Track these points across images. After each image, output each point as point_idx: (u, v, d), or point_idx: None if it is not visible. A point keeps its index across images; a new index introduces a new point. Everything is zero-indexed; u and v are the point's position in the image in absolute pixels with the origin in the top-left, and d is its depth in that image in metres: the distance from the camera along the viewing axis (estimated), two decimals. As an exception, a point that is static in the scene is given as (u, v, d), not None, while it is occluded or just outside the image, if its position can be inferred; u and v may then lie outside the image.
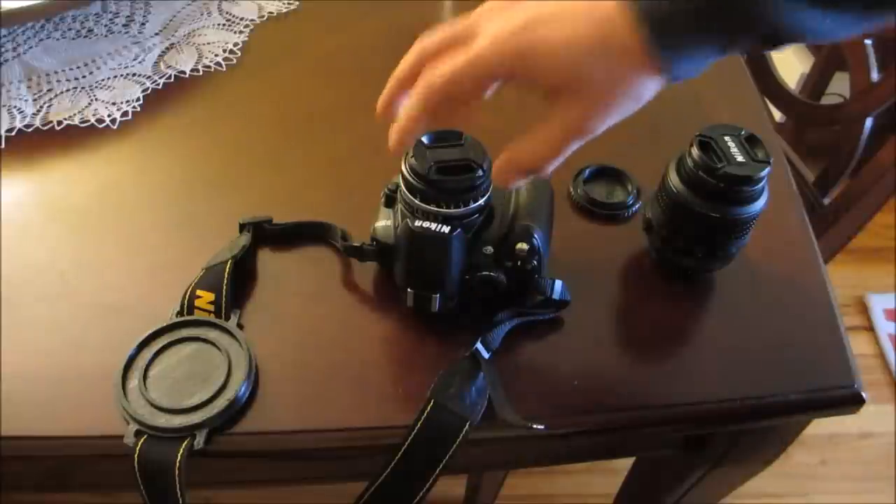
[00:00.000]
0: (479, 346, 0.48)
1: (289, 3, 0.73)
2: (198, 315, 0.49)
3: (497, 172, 0.43)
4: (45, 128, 0.61)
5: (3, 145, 0.60)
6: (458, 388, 0.46)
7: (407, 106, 0.43)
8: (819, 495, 1.29)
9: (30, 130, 0.61)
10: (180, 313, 0.49)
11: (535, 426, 0.46)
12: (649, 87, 0.40)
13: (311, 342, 0.50)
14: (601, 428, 0.50)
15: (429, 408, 0.45)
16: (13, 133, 0.61)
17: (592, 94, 0.40)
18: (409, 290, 0.49)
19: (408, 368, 0.50)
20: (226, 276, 0.50)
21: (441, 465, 0.45)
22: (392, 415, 0.47)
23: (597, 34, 0.38)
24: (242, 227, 0.54)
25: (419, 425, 0.45)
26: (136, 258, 0.54)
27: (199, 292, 0.50)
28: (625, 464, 0.76)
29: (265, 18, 0.71)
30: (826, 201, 1.02)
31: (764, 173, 0.48)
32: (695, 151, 0.48)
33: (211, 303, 0.49)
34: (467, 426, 0.45)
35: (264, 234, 0.54)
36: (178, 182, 0.59)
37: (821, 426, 1.30)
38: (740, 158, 0.48)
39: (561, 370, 0.49)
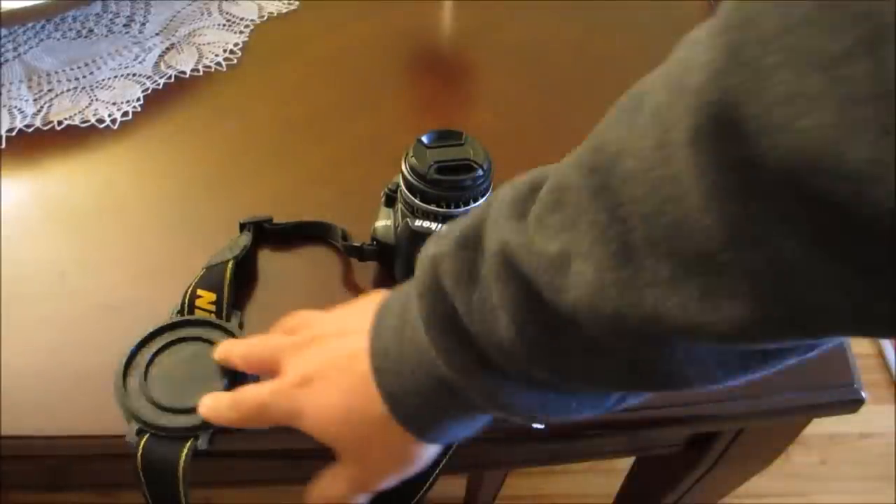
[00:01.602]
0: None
1: (289, 3, 0.73)
2: (198, 315, 0.49)
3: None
4: (46, 128, 0.61)
5: (3, 145, 0.60)
6: None
7: (221, 409, 0.43)
8: (819, 495, 1.29)
9: (30, 130, 0.61)
10: (181, 312, 0.49)
11: (535, 426, 0.46)
12: (420, 451, 0.39)
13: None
14: (601, 428, 0.50)
15: None
16: (13, 133, 0.61)
17: (359, 457, 0.40)
18: (409, 289, 0.49)
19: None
20: (227, 276, 0.50)
21: (441, 465, 0.45)
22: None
23: (350, 402, 0.38)
24: (243, 227, 0.54)
25: None
26: (136, 258, 0.54)
27: (199, 292, 0.49)
28: (625, 464, 0.76)
29: (265, 18, 0.71)
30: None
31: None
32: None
33: (212, 303, 0.49)
34: None
35: (264, 234, 0.54)
36: (178, 182, 0.59)
37: (821, 426, 1.30)
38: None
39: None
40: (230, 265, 0.50)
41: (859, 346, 1.44)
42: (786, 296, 0.23)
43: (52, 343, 0.49)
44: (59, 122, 0.62)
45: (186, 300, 0.49)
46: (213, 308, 0.49)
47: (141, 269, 0.53)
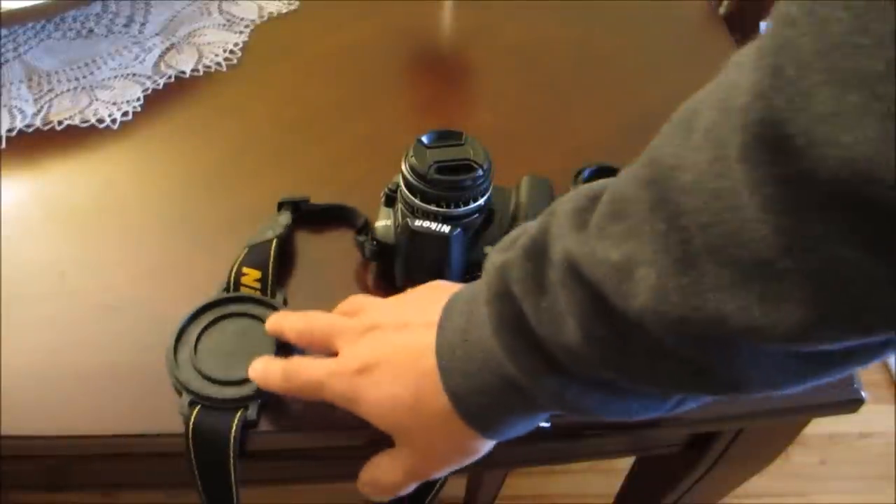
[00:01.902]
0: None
1: (289, 3, 0.73)
2: (244, 292, 0.50)
3: (360, 487, 0.45)
4: (46, 128, 0.61)
5: (3, 145, 0.60)
6: None
7: (271, 375, 0.44)
8: (819, 495, 1.29)
9: (30, 130, 0.61)
10: (227, 290, 0.50)
11: (541, 424, 0.46)
12: (479, 444, 0.40)
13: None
14: (601, 428, 0.50)
15: None
16: (14, 133, 0.61)
17: (420, 447, 0.41)
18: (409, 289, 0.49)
19: (408, 368, 0.50)
20: (272, 254, 0.51)
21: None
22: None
23: (413, 393, 0.39)
24: (281, 206, 0.55)
25: None
26: (136, 258, 0.54)
27: (245, 270, 0.50)
28: (625, 464, 0.76)
29: (265, 18, 0.71)
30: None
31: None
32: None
33: (257, 280, 0.50)
34: None
35: (299, 214, 0.55)
36: (178, 182, 0.59)
37: (821, 426, 1.30)
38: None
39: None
40: (275, 243, 0.51)
41: (859, 346, 1.43)
42: (844, 298, 0.25)
43: (52, 343, 0.49)
44: (59, 122, 0.62)
45: (232, 278, 0.50)
46: (258, 286, 0.50)
47: (141, 269, 0.53)
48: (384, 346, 0.41)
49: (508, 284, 0.35)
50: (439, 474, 0.43)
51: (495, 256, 0.37)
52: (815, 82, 0.22)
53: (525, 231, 0.36)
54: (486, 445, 0.41)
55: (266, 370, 0.44)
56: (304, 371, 0.43)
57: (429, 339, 0.39)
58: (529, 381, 0.36)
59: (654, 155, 0.30)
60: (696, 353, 0.30)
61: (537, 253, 0.34)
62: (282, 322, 0.46)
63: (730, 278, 0.27)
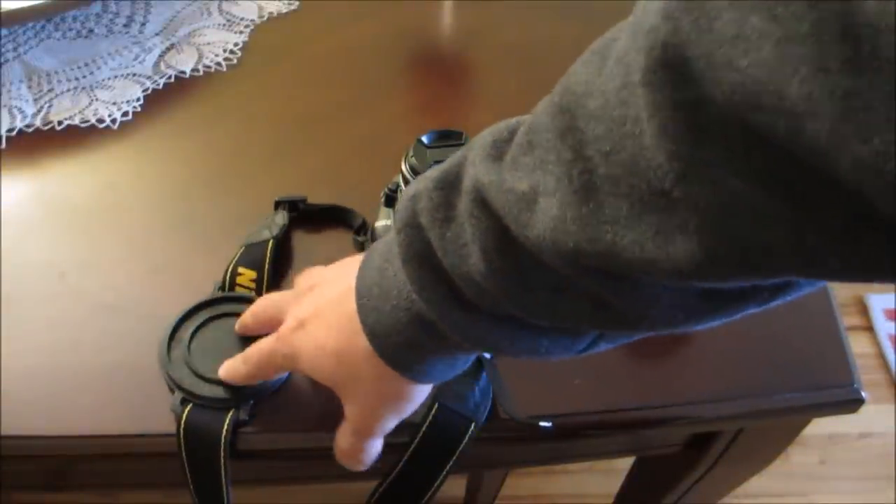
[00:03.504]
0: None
1: (289, 3, 0.73)
2: (239, 291, 0.50)
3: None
4: (46, 128, 0.61)
5: (3, 145, 0.60)
6: (462, 389, 0.46)
7: (233, 368, 0.45)
8: (819, 495, 1.29)
9: (30, 130, 0.61)
10: (222, 289, 0.50)
11: (542, 423, 0.46)
12: (409, 389, 0.40)
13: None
14: (601, 428, 0.50)
15: (434, 410, 0.45)
16: (14, 133, 0.61)
17: (358, 400, 0.41)
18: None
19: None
20: (267, 254, 0.51)
21: (448, 467, 0.45)
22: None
23: (339, 340, 0.39)
24: (277, 206, 0.55)
25: (425, 428, 0.45)
26: (136, 258, 0.54)
27: (240, 269, 0.51)
28: (625, 464, 0.76)
29: (265, 18, 0.71)
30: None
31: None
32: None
33: (253, 280, 0.50)
34: (473, 427, 0.45)
35: (297, 214, 0.55)
36: (178, 182, 0.59)
37: (820, 426, 1.30)
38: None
39: (561, 370, 0.49)
40: (271, 244, 0.51)
41: (859, 347, 1.44)
42: (733, 233, 0.24)
43: (52, 343, 0.49)
44: (59, 122, 0.62)
45: (227, 277, 0.50)
46: (253, 286, 0.50)
47: (141, 268, 0.53)
48: (318, 300, 0.41)
49: (417, 214, 0.35)
50: (384, 426, 0.42)
51: (410, 187, 0.37)
52: (720, 4, 0.21)
53: (443, 164, 0.36)
54: (419, 391, 0.41)
55: (228, 366, 0.45)
56: (257, 348, 0.44)
57: (353, 283, 0.39)
58: (436, 314, 0.35)
59: (567, 83, 0.29)
60: (595, 287, 0.30)
61: (448, 183, 0.34)
62: (243, 317, 0.47)
63: (627, 210, 0.26)
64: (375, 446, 0.43)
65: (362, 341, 0.38)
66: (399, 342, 0.37)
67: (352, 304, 0.38)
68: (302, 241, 0.55)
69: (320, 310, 0.41)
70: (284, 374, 0.47)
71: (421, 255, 0.35)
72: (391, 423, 0.42)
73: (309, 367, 0.41)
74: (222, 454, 0.44)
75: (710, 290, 0.30)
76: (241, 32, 0.70)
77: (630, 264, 0.27)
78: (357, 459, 0.43)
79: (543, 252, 0.30)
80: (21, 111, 0.62)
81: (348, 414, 0.42)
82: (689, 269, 0.26)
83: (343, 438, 0.43)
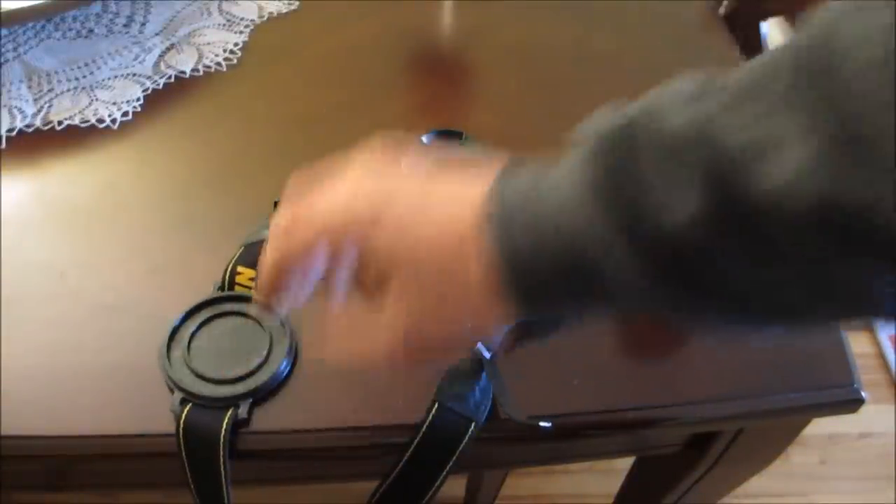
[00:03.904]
0: (479, 346, 0.48)
1: (289, 3, 0.73)
2: (239, 291, 0.50)
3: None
4: (46, 128, 0.61)
5: (3, 145, 0.60)
6: (462, 390, 0.46)
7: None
8: (819, 495, 1.29)
9: (30, 130, 0.61)
10: (221, 288, 0.50)
11: (542, 424, 0.46)
12: (494, 314, 0.34)
13: (310, 341, 0.50)
14: (601, 428, 0.50)
15: (434, 410, 0.45)
16: (14, 133, 0.61)
17: (427, 296, 0.35)
18: (409, 289, 0.49)
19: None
20: None
21: (448, 467, 0.45)
22: (394, 414, 0.47)
23: (441, 231, 0.34)
24: (277, 205, 0.54)
25: (425, 428, 0.45)
26: (136, 258, 0.54)
27: (239, 269, 0.51)
28: (625, 464, 0.76)
29: (265, 18, 0.71)
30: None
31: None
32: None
33: (252, 279, 0.50)
34: (473, 427, 0.45)
35: None
36: (178, 182, 0.59)
37: (820, 426, 1.30)
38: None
39: (561, 370, 0.49)
40: None
41: (859, 347, 1.44)
42: None
43: (52, 343, 0.49)
44: (59, 122, 0.62)
45: (227, 277, 0.50)
46: (252, 284, 0.50)
47: (141, 268, 0.53)
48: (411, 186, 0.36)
49: (610, 152, 0.31)
50: (432, 344, 0.36)
51: (599, 120, 0.33)
52: None
53: (631, 106, 0.32)
54: (499, 322, 0.36)
55: (263, 261, 0.38)
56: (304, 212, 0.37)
57: (471, 189, 0.34)
58: (600, 252, 0.30)
59: (821, 31, 0.26)
60: (821, 253, 0.26)
61: (651, 118, 0.30)
62: (259, 286, 0.39)
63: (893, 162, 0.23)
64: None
65: (478, 247, 0.33)
66: (534, 268, 0.32)
67: (471, 208, 0.33)
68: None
69: (415, 206, 0.35)
70: (284, 374, 0.47)
71: (609, 190, 0.30)
72: (430, 353, 0.37)
73: (385, 238, 0.35)
74: (222, 454, 0.44)
75: None
76: (241, 32, 0.70)
77: (885, 226, 0.24)
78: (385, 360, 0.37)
79: (774, 207, 0.26)
80: (21, 111, 0.62)
81: (401, 311, 0.35)
82: None
83: (380, 333, 0.36)
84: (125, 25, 0.70)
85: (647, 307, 0.32)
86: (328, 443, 0.47)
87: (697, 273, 0.29)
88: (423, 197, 0.36)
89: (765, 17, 0.88)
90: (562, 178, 0.32)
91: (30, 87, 0.64)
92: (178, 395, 0.45)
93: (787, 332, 0.32)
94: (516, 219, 0.33)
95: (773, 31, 0.92)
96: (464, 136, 0.48)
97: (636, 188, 0.29)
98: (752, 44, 0.84)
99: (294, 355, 0.48)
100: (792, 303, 0.29)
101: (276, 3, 0.73)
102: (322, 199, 0.38)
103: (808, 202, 0.25)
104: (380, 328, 0.36)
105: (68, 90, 0.64)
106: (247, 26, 0.70)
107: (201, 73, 0.66)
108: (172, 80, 0.65)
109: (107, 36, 0.69)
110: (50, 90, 0.64)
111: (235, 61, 0.67)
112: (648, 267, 0.30)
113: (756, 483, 0.68)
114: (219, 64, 0.67)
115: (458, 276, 0.34)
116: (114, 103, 0.63)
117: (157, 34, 0.69)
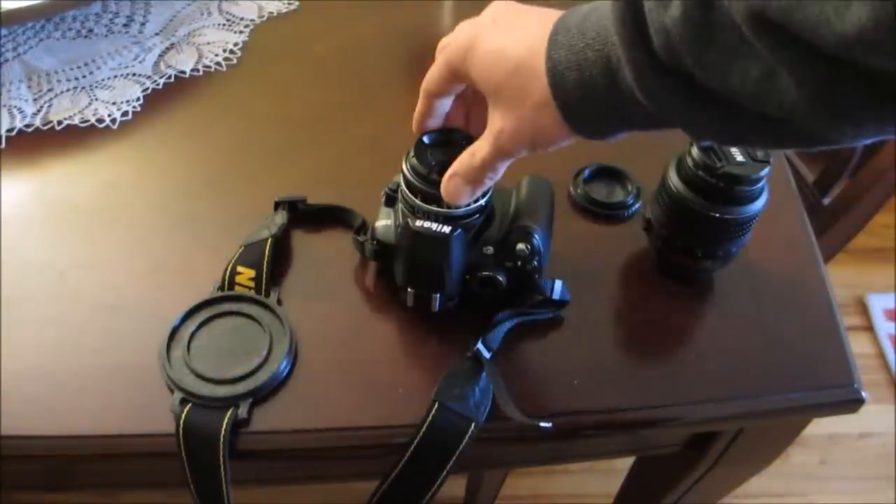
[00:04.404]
0: (479, 346, 0.48)
1: (289, 3, 0.73)
2: (238, 290, 0.50)
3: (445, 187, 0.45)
4: (46, 127, 0.61)
5: (3, 145, 0.60)
6: (462, 390, 0.46)
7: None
8: (819, 495, 1.29)
9: (30, 130, 0.61)
10: (221, 288, 0.50)
11: (542, 424, 0.46)
12: (558, 129, 0.40)
13: (310, 340, 0.50)
14: (601, 428, 0.50)
15: (434, 410, 0.45)
16: (13, 133, 0.61)
17: (514, 111, 0.42)
18: (409, 289, 0.49)
19: (408, 368, 0.50)
20: (266, 253, 0.51)
21: (448, 466, 0.45)
22: (394, 414, 0.47)
23: (521, 49, 0.41)
24: (277, 206, 0.55)
25: (425, 428, 0.45)
26: (136, 258, 0.54)
27: (239, 268, 0.51)
28: (625, 464, 0.76)
29: (265, 18, 0.71)
30: (826, 201, 1.02)
31: (764, 173, 0.48)
32: (695, 151, 0.49)
33: (251, 279, 0.51)
34: (472, 427, 0.45)
35: (296, 214, 0.55)
36: (178, 182, 0.59)
37: (820, 426, 1.30)
38: (740, 158, 0.48)
39: (561, 370, 0.49)
40: (269, 243, 0.52)
41: (859, 347, 1.44)
42: None
43: (52, 343, 0.49)
44: (59, 122, 0.62)
45: (226, 277, 0.50)
46: (252, 284, 0.51)
47: (142, 268, 0.53)
48: (514, 15, 0.43)
49: None
50: (518, 150, 0.42)
51: None
52: None
53: None
54: (564, 133, 0.41)
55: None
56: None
57: (552, 16, 0.41)
58: (624, 57, 0.36)
59: None
60: (767, 53, 0.30)
61: None
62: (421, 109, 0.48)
63: None
64: (497, 170, 0.44)
65: (541, 67, 0.39)
66: (577, 78, 0.38)
67: (545, 30, 0.40)
68: (301, 241, 0.55)
69: (510, 23, 0.42)
70: (284, 374, 0.47)
71: (625, 16, 0.35)
72: (524, 151, 0.42)
73: (480, 66, 0.42)
74: (221, 454, 0.44)
75: None
76: (240, 32, 0.70)
77: (805, 22, 0.27)
78: (480, 176, 0.44)
79: (734, 6, 0.30)
80: (21, 111, 0.62)
81: (497, 126, 0.42)
82: (852, 37, 0.26)
83: (480, 149, 0.43)
84: (125, 25, 0.70)
85: (658, 110, 0.36)
86: (328, 443, 0.47)
87: (691, 68, 0.34)
88: (511, 24, 0.42)
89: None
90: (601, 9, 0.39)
91: (29, 87, 0.64)
92: (177, 395, 0.45)
93: (773, 140, 0.36)
94: (560, 41, 0.39)
95: None
96: (465, 136, 0.47)
97: (641, 15, 0.35)
98: None
99: (294, 355, 0.48)
100: (746, 85, 0.33)
101: (276, 3, 0.73)
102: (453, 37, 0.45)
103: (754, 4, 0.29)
104: (483, 146, 0.43)
105: (68, 90, 0.64)
106: (247, 26, 0.70)
107: (201, 72, 0.66)
108: (172, 79, 0.65)
109: (106, 36, 0.69)
110: (50, 90, 0.64)
111: (235, 61, 0.67)
112: (657, 65, 0.35)
113: (756, 483, 0.68)
114: (219, 64, 0.67)
115: (531, 88, 0.40)
116: (113, 103, 0.63)
117: (156, 34, 0.69)
